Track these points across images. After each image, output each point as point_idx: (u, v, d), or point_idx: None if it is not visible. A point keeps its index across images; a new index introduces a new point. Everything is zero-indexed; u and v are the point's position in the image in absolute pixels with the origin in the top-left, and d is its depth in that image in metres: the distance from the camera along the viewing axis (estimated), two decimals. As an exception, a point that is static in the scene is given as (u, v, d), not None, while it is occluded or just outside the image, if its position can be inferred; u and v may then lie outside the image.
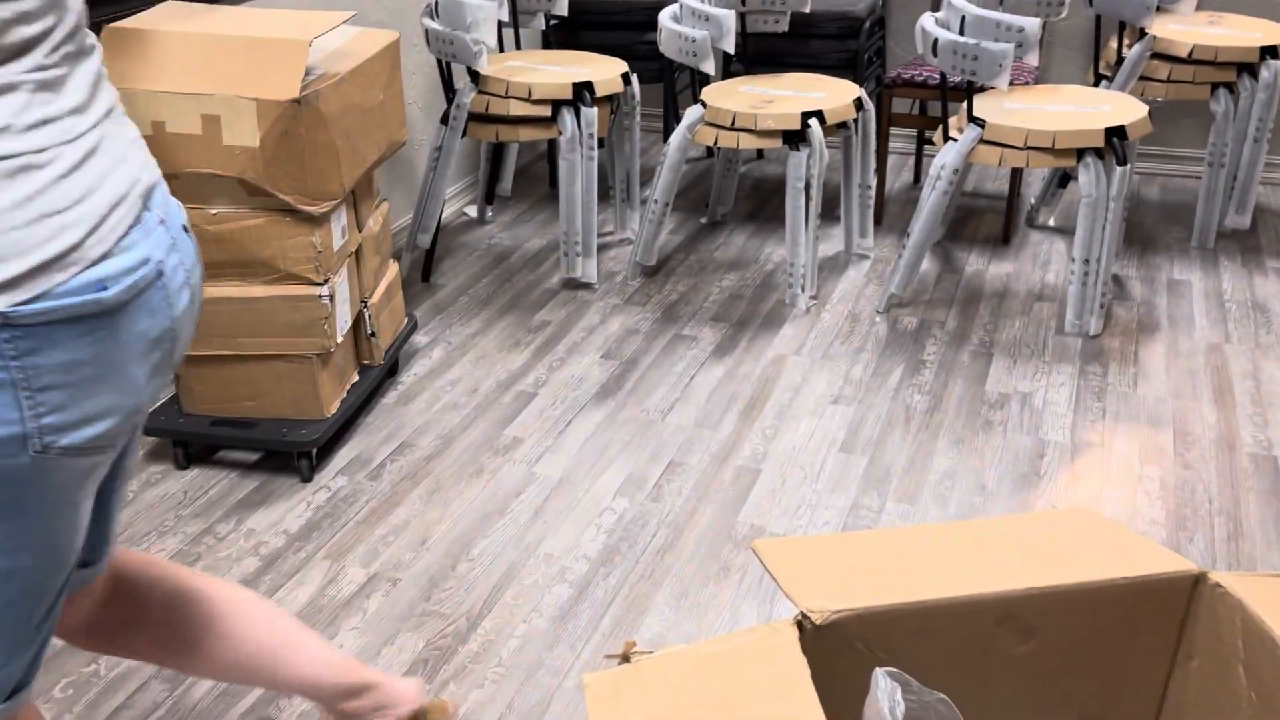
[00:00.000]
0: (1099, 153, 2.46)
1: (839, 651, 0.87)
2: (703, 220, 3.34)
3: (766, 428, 2.28)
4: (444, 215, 3.38)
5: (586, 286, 2.93)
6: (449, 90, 2.88)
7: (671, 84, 3.52)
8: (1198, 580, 0.91)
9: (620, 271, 3.02)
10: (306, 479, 2.13)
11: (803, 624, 0.86)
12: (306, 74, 1.99)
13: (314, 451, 2.12)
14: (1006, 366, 2.49)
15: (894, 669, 0.78)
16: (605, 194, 3.50)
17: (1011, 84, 3.01)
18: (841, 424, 2.29)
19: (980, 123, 2.54)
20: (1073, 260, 2.56)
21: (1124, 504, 2.01)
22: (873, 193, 3.03)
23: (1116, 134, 2.45)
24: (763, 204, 3.45)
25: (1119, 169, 2.46)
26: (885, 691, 0.74)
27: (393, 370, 2.52)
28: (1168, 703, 0.97)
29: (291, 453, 2.16)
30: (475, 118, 2.86)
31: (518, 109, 2.79)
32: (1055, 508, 2.00)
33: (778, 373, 2.50)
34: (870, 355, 2.56)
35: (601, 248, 3.17)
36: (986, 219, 3.31)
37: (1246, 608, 0.87)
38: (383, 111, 2.23)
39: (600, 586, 1.84)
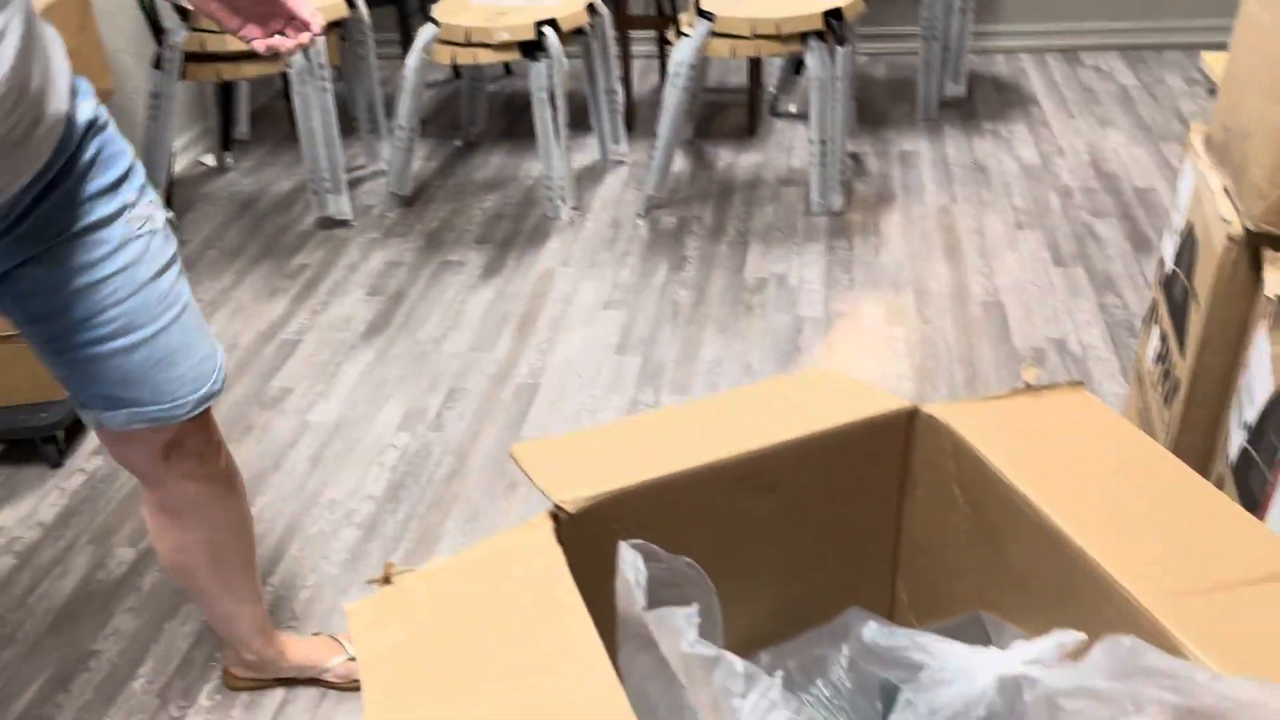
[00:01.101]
0: (821, 35, 2.56)
1: (596, 537, 0.90)
2: (456, 143, 3.27)
3: (541, 342, 2.30)
4: (178, 167, 3.16)
5: (343, 224, 2.83)
6: (157, 31, 2.66)
7: (403, 4, 3.39)
8: (912, 414, 0.99)
9: (376, 204, 2.93)
10: (56, 464, 1.98)
11: (558, 515, 0.88)
12: (-25, 23, 1.79)
13: (61, 435, 1.98)
14: (762, 252, 2.60)
15: (639, 540, 0.81)
16: (351, 126, 3.36)
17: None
18: (614, 328, 2.33)
19: (709, 15, 2.59)
20: (811, 143, 2.68)
21: (875, 365, 2.16)
22: (620, 98, 3.04)
23: (834, 16, 2.56)
24: (515, 120, 3.41)
25: (840, 49, 2.57)
26: (629, 562, 0.77)
27: (140, 338, 2.36)
28: (903, 533, 1.06)
29: (35, 439, 2.00)
30: (192, 58, 2.66)
31: (236, 44, 2.62)
32: (816, 377, 2.12)
33: (547, 287, 2.51)
34: (635, 258, 2.61)
35: (354, 182, 3.05)
36: (732, 113, 3.40)
37: (955, 432, 0.96)
38: (77, 59, 2.04)
39: (389, 523, 1.82)
